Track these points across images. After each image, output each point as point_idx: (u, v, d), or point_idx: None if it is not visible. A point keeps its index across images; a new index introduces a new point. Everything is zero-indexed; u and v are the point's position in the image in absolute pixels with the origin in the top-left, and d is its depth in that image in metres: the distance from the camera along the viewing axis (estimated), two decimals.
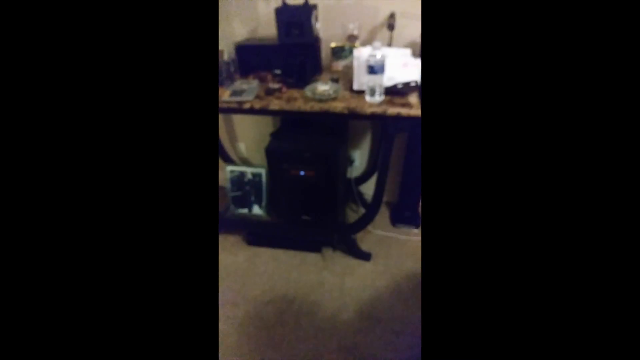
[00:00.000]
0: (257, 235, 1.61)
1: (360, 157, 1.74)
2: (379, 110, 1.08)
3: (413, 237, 1.67)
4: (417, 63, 1.13)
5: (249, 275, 1.50)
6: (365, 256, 1.54)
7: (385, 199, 1.86)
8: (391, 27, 1.27)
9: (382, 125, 1.49)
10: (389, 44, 1.32)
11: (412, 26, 1.33)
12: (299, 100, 1.14)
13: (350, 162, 1.73)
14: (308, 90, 1.17)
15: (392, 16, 1.29)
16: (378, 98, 1.10)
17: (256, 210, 1.62)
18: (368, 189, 1.78)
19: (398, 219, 1.72)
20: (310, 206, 1.45)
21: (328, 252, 1.59)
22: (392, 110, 1.07)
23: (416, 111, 1.07)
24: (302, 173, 1.30)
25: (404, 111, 1.07)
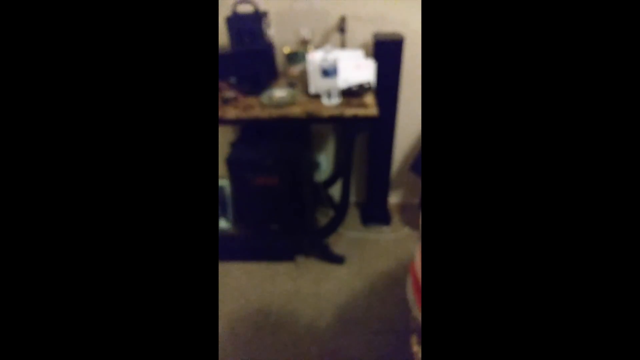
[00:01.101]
0: (226, 250, 1.56)
1: (326, 160, 1.74)
2: (336, 112, 1.08)
3: (384, 235, 1.68)
4: (369, 64, 1.15)
5: (220, 293, 1.44)
6: (339, 259, 1.54)
7: (354, 199, 1.88)
8: (342, 30, 1.28)
9: (341, 127, 1.51)
10: (342, 47, 1.34)
11: (363, 28, 1.36)
12: (256, 108, 1.12)
13: (317, 165, 1.72)
14: (264, 97, 1.15)
15: (342, 19, 1.30)
16: (334, 100, 1.11)
17: (222, 224, 1.57)
18: (337, 191, 1.78)
19: (368, 218, 1.74)
20: (278, 214, 1.42)
21: (301, 259, 1.56)
22: (349, 112, 1.08)
23: (372, 111, 1.09)
24: (266, 181, 1.28)
25: (360, 112, 1.08)
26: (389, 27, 1.36)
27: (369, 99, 1.15)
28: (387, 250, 1.60)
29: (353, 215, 1.80)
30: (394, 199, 1.86)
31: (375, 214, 1.72)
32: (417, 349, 0.51)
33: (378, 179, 1.63)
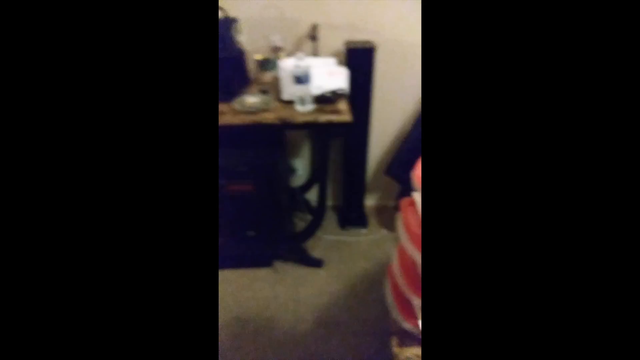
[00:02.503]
0: None
1: (302, 166, 1.75)
2: (310, 118, 1.10)
3: (361, 237, 1.71)
4: (342, 71, 1.18)
5: None
6: (317, 263, 1.54)
7: (331, 203, 1.89)
8: (314, 37, 1.30)
9: (316, 133, 1.52)
10: (315, 54, 1.36)
11: (335, 36, 1.39)
12: (227, 114, 1.11)
13: (293, 171, 1.73)
14: (237, 103, 1.14)
15: (314, 27, 1.32)
16: (308, 107, 1.12)
17: None
18: (314, 196, 1.79)
19: (345, 221, 1.76)
20: (254, 221, 1.41)
21: (279, 264, 1.56)
22: (323, 118, 1.10)
23: (346, 117, 1.11)
24: (241, 188, 1.27)
25: (334, 118, 1.10)
26: (360, 36, 1.39)
27: (343, 105, 1.17)
28: (365, 252, 1.63)
29: (330, 219, 1.82)
30: (370, 201, 1.89)
31: (353, 217, 1.75)
32: (397, 350, 0.52)
33: (354, 183, 1.66)
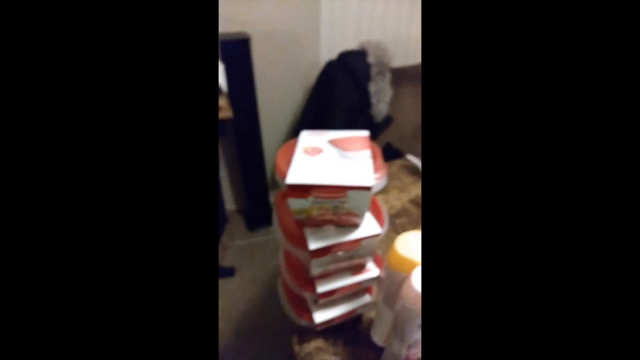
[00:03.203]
0: None
1: None
2: None
3: (272, 235, 1.68)
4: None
5: None
6: (229, 272, 1.45)
7: (235, 207, 1.81)
8: None
9: None
10: None
11: None
12: None
13: None
14: None
15: None
16: None
17: None
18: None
19: (253, 223, 1.70)
20: None
21: None
22: None
23: (226, 113, 1.04)
24: None
25: None
26: (233, 28, 1.32)
27: (222, 100, 1.09)
28: (276, 250, 1.59)
29: (238, 224, 1.73)
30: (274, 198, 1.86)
31: (260, 217, 1.70)
32: (298, 349, 0.50)
33: (255, 182, 1.61)
